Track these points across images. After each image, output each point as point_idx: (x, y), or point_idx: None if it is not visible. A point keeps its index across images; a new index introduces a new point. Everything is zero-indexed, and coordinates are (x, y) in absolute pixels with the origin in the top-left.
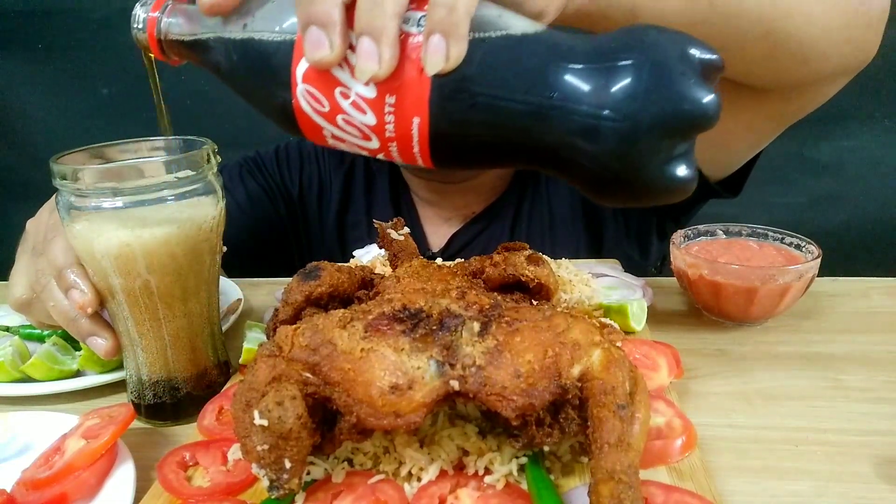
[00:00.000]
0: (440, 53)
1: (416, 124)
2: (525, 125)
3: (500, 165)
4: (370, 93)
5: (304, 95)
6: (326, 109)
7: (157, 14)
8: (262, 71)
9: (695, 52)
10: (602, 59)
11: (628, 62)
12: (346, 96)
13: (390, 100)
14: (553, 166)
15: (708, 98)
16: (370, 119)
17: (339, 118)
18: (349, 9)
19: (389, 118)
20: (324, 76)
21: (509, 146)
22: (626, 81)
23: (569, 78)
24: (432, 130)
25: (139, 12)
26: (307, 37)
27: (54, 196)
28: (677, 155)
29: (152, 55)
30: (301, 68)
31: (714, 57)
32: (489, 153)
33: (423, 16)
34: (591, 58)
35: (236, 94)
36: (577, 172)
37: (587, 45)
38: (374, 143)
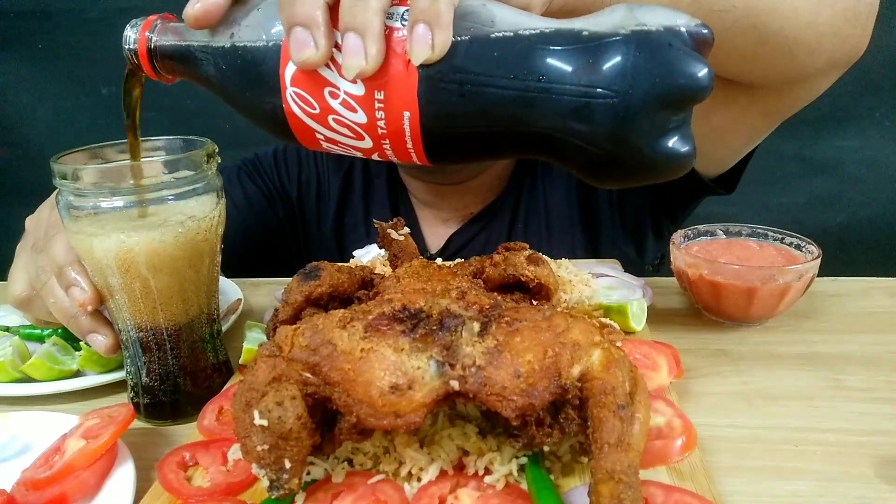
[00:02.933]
0: (425, 43)
1: (407, 118)
2: (516, 111)
3: (497, 156)
4: (358, 90)
5: (293, 98)
6: (317, 111)
7: (147, 33)
8: (251, 78)
9: (683, 25)
10: (590, 37)
11: (617, 38)
12: (335, 96)
13: (379, 95)
14: (549, 152)
15: (699, 68)
16: (361, 117)
17: (331, 119)
18: (332, 9)
19: (380, 114)
20: (311, 77)
21: (503, 134)
22: (616, 58)
23: (557, 59)
24: (423, 123)
25: (129, 33)
26: (292, 38)
27: (54, 193)
28: (673, 130)
29: (143, 76)
30: (289, 71)
31: (703, 30)
32: (484, 144)
33: (407, 10)
34: (578, 37)
35: (230, 106)
36: (573, 156)
37: (574, 26)
38: (368, 143)
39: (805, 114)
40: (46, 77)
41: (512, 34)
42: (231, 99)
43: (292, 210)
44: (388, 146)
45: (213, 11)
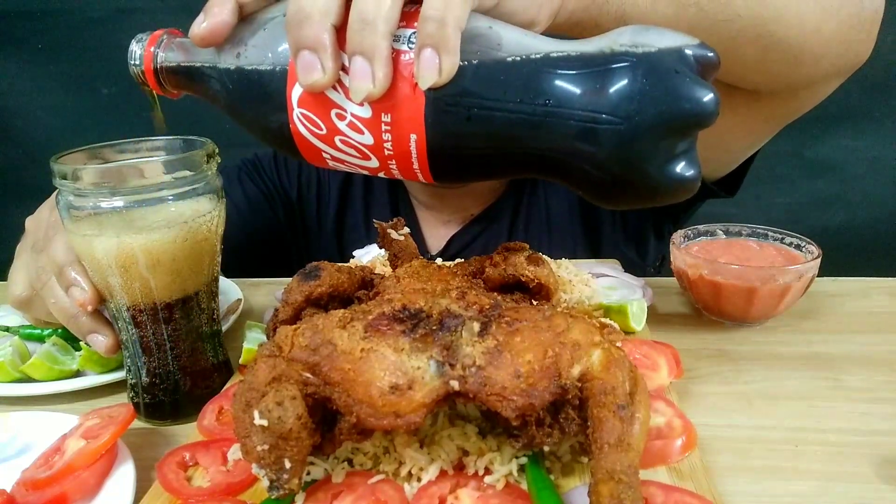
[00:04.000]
0: (433, 67)
1: (414, 141)
2: (523, 135)
3: (502, 177)
4: (365, 112)
5: (300, 119)
6: (323, 132)
7: (152, 49)
8: (258, 98)
9: (690, 50)
10: (597, 62)
11: (623, 63)
12: (341, 118)
13: (386, 118)
14: (555, 174)
15: (705, 94)
16: (367, 139)
17: (337, 139)
18: (339, 31)
19: (386, 136)
20: (318, 99)
21: (509, 157)
22: (622, 83)
23: (564, 84)
24: (430, 146)
25: (135, 48)
26: (299, 61)
27: (54, 194)
28: (679, 154)
29: (150, 89)
30: (296, 93)
31: (710, 54)
32: (489, 165)
33: (414, 33)
34: (585, 62)
35: (235, 122)
36: (578, 178)
37: (581, 49)
38: (374, 163)
39: (805, 114)
40: (46, 77)
41: (519, 58)
42: (237, 116)
43: (292, 210)
44: (394, 166)
45: (220, 30)
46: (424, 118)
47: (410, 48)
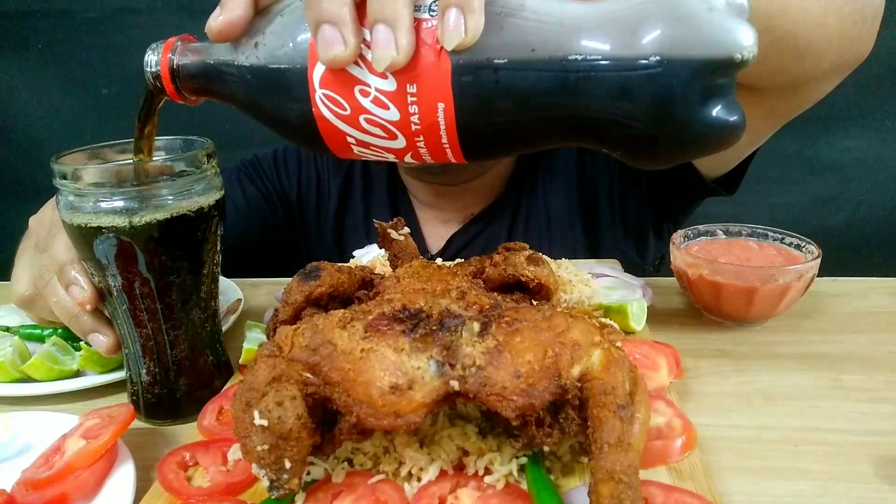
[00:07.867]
0: (458, 27)
1: (442, 110)
2: (554, 93)
3: (535, 147)
4: (390, 85)
5: (323, 101)
6: (347, 112)
7: (168, 56)
8: (278, 86)
9: None
10: (625, 10)
11: (653, 10)
12: (365, 94)
13: (411, 89)
14: (592, 136)
15: (742, 31)
16: (393, 114)
17: (362, 119)
18: (359, 6)
19: (413, 109)
20: (341, 76)
21: (542, 121)
22: (655, 27)
23: (593, 36)
24: (458, 114)
25: (151, 57)
26: (319, 37)
27: (57, 194)
28: (719, 97)
29: (162, 100)
30: (317, 73)
31: None
32: (522, 132)
33: (434, 1)
34: (613, 11)
35: (257, 120)
36: (617, 136)
37: (608, 3)
38: (401, 142)
39: (805, 114)
40: (46, 77)
41: (544, 15)
42: (258, 111)
43: (292, 211)
44: (422, 143)
45: (237, 23)
46: (451, 84)
47: (432, 15)
